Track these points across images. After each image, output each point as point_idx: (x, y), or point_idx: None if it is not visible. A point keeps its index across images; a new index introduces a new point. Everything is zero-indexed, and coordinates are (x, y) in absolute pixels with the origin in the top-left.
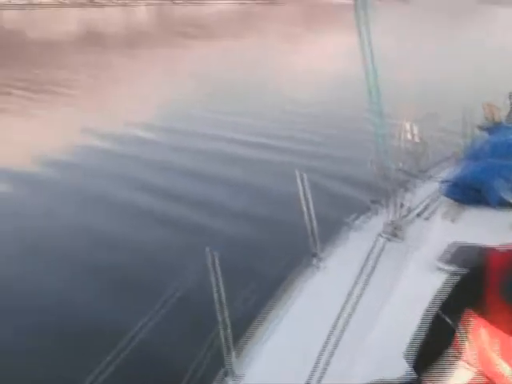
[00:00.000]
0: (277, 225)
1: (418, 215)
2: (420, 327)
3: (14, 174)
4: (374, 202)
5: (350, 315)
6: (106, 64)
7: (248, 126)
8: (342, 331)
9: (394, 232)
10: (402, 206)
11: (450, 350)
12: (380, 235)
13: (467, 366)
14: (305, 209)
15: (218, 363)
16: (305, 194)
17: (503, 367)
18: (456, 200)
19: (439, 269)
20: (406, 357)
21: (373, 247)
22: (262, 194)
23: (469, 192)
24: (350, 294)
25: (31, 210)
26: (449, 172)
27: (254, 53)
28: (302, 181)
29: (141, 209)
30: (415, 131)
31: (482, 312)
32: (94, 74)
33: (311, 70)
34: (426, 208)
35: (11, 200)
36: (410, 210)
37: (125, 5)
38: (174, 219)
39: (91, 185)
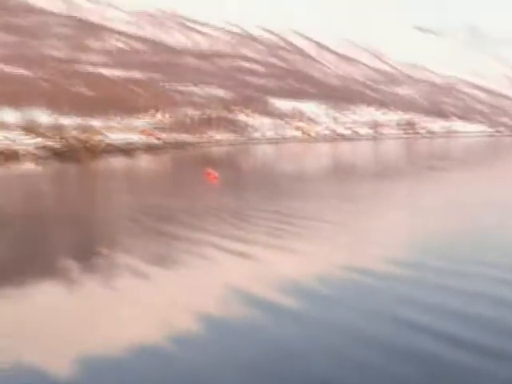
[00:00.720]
0: None
1: None
2: None
3: (274, 307)
4: None
5: None
6: (356, 196)
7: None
8: None
9: None
10: None
11: None
12: None
13: None
14: None
15: None
16: None
17: None
18: None
19: None
20: None
21: None
22: None
23: None
24: None
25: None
26: None
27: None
28: None
29: (405, 348)
30: None
31: None
32: (344, 207)
33: None
34: None
35: (265, 330)
36: None
37: (374, 138)
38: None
39: (353, 320)
